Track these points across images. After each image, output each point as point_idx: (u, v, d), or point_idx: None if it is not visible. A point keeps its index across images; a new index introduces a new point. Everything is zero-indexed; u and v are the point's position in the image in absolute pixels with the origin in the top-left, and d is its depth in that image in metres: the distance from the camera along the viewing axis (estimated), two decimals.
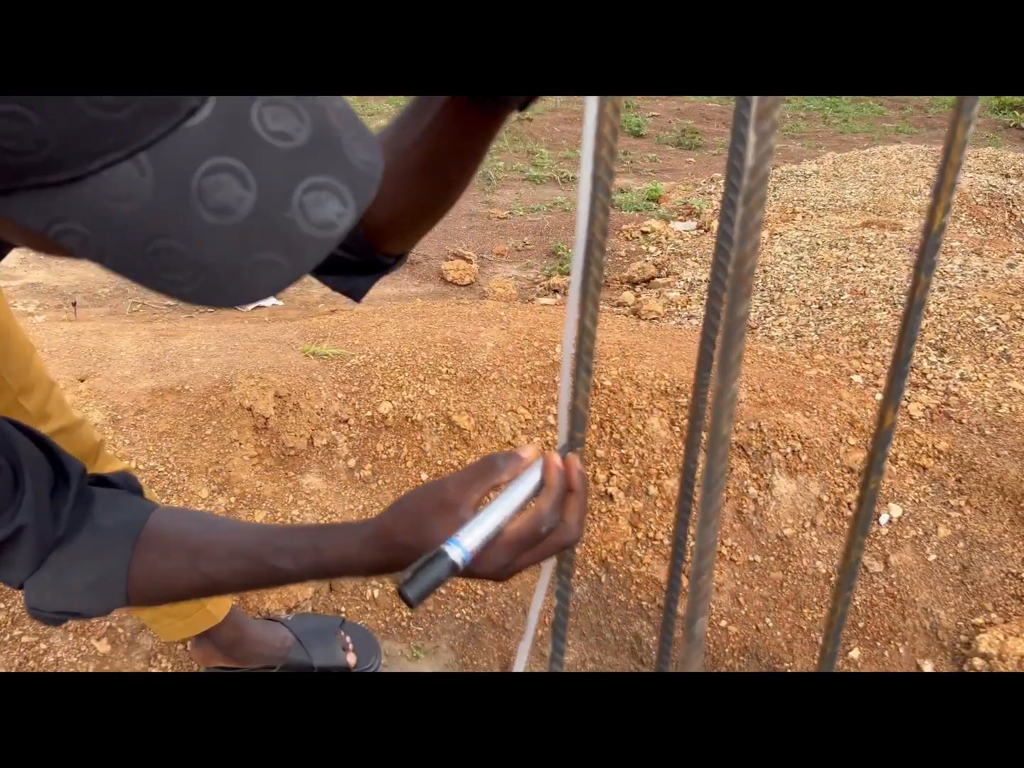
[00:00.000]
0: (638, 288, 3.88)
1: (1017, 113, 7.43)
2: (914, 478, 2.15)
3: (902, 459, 2.19)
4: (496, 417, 2.22)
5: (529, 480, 0.71)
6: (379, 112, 6.62)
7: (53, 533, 0.75)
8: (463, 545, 0.68)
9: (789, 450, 2.15)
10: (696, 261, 4.10)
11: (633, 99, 7.63)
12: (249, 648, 1.63)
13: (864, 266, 3.52)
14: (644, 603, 1.98)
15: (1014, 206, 4.44)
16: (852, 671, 1.87)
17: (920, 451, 2.20)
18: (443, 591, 1.93)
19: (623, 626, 1.96)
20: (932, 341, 2.74)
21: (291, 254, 0.47)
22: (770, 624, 1.94)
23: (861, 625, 1.92)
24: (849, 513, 2.07)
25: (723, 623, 1.94)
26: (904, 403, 2.43)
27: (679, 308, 3.55)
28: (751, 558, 2.03)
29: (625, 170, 6.17)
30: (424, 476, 2.12)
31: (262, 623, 1.69)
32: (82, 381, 2.13)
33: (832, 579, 1.99)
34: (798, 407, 2.28)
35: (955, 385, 2.52)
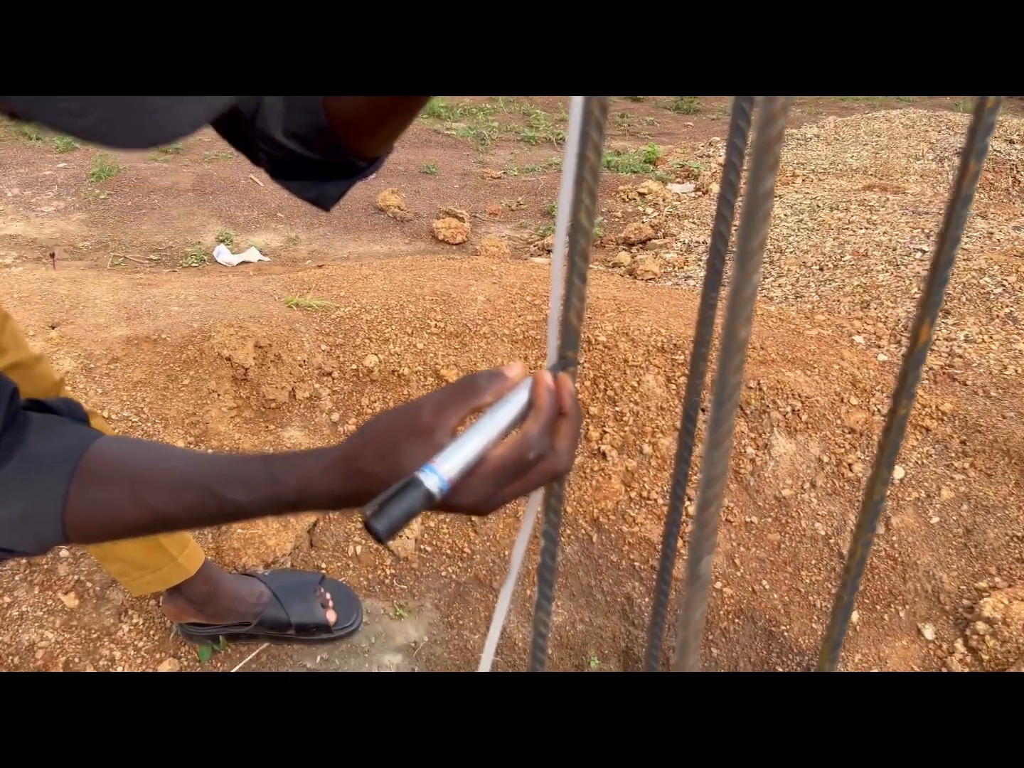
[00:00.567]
0: (634, 249, 3.79)
1: None
2: (917, 439, 2.08)
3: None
4: None
5: (515, 402, 0.63)
6: None
7: None
8: (440, 472, 0.59)
9: (789, 409, 2.08)
10: (694, 223, 4.00)
11: None
12: (223, 603, 1.55)
13: (866, 228, 3.43)
14: (636, 564, 1.91)
15: (1018, 171, 4.35)
16: (852, 672, 1.81)
17: (923, 412, 2.13)
18: (428, 548, 1.86)
19: (614, 587, 1.89)
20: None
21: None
22: (767, 586, 1.87)
23: (860, 588, 1.86)
24: (851, 475, 2.01)
25: (718, 585, 1.88)
26: None
27: (676, 269, 3.46)
28: (748, 519, 1.96)
29: (622, 133, 6.06)
30: None
31: (237, 578, 1.62)
32: (53, 328, 2.04)
33: (832, 541, 1.93)
34: (798, 366, 2.20)
35: (959, 347, 2.44)
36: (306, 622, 1.60)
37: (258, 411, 2.00)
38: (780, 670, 1.77)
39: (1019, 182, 4.31)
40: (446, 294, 2.32)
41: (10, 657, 1.55)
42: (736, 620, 1.84)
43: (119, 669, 1.58)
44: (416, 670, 1.74)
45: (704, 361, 0.79)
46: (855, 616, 1.82)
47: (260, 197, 4.11)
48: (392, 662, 1.72)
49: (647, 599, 1.88)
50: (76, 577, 1.65)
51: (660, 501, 1.98)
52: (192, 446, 1.89)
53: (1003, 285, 2.70)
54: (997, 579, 1.82)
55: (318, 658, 1.67)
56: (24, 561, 1.65)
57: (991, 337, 2.48)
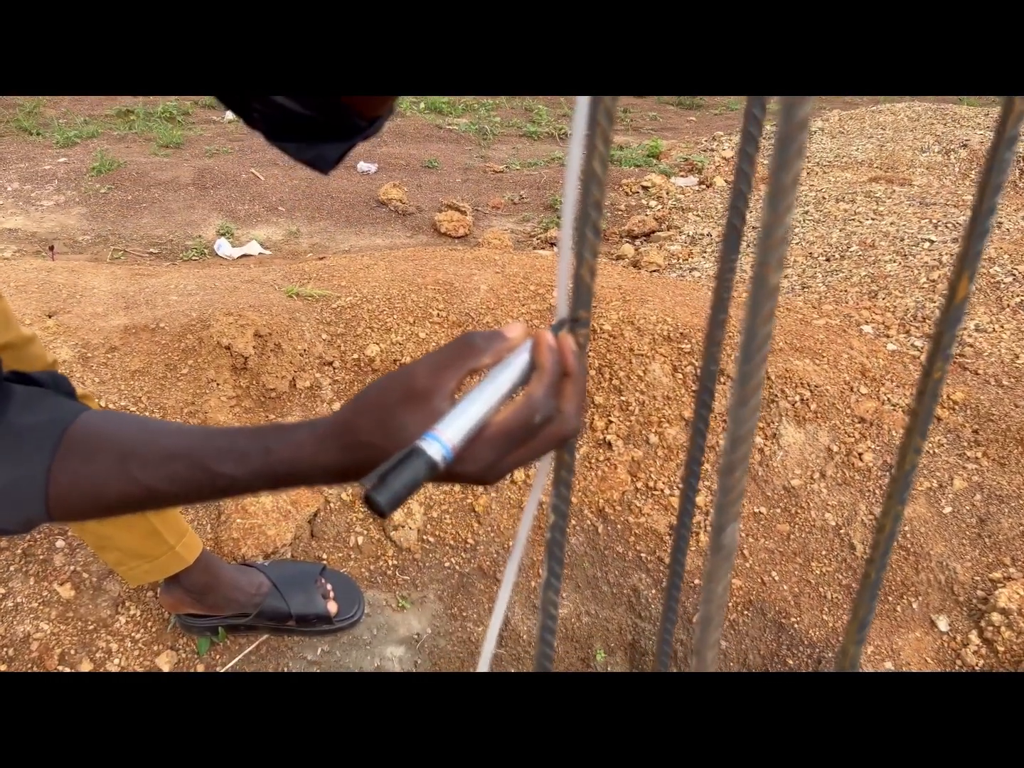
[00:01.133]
0: (638, 242, 3.75)
1: None
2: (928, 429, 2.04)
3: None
4: None
5: (515, 364, 0.59)
6: None
7: None
8: (442, 440, 0.56)
9: (797, 398, 2.04)
10: (698, 215, 3.97)
11: None
12: (222, 593, 1.52)
13: (873, 219, 3.40)
14: (643, 555, 1.87)
15: None
16: (865, 672, 1.78)
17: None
18: (431, 538, 1.82)
19: (621, 578, 1.86)
20: (946, 292, 2.63)
21: None
22: (776, 577, 1.84)
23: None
24: (861, 464, 1.97)
25: None
26: (917, 353, 2.32)
27: (681, 261, 3.43)
28: (756, 510, 1.93)
29: (625, 128, 6.02)
30: None
31: (237, 568, 1.58)
32: (50, 317, 2.01)
33: (842, 532, 1.89)
34: (807, 355, 2.17)
35: (970, 336, 2.41)
36: (307, 613, 1.57)
37: (258, 400, 1.96)
38: (790, 662, 1.73)
39: None
40: (448, 284, 2.29)
41: (5, 649, 1.52)
42: (745, 612, 1.81)
43: (116, 661, 1.55)
44: (419, 662, 1.71)
45: (718, 347, 0.76)
46: None
47: (261, 191, 4.08)
48: (395, 654, 1.69)
49: (654, 591, 1.85)
50: (72, 568, 1.61)
51: (667, 491, 1.94)
52: None
53: (1013, 274, 2.66)
54: (1012, 569, 1.78)
55: (319, 650, 1.63)
56: (19, 551, 1.62)
57: (1002, 326, 2.45)
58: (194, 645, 1.59)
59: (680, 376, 2.08)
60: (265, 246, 3.65)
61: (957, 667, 1.69)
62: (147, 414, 1.87)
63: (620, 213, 4.08)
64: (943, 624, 1.74)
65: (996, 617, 1.67)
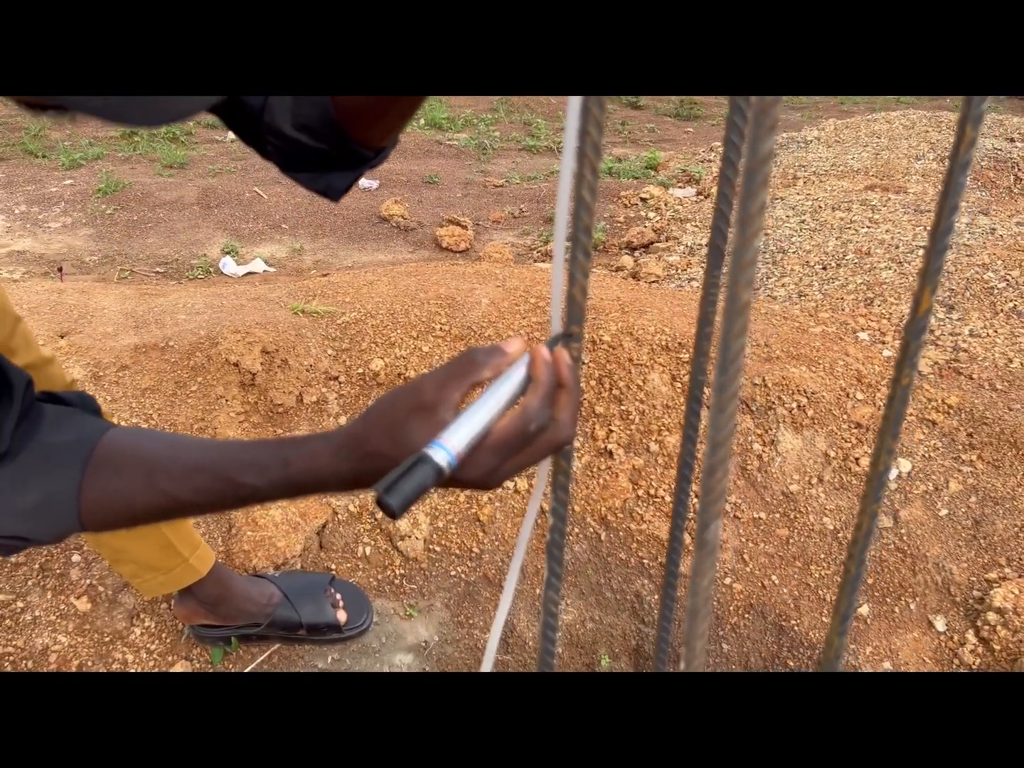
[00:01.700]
0: (637, 253, 3.80)
1: None
2: (923, 433, 2.08)
3: (911, 414, 2.12)
4: None
5: (514, 377, 0.64)
6: None
7: None
8: (447, 447, 0.60)
9: (795, 405, 2.08)
10: (696, 226, 4.01)
11: None
12: (235, 604, 1.56)
13: (868, 227, 3.44)
14: (645, 561, 1.91)
15: (1019, 169, 4.35)
16: (860, 672, 1.81)
17: (929, 406, 2.14)
18: (437, 548, 1.86)
19: (624, 585, 1.90)
20: (940, 298, 2.67)
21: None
22: (776, 581, 1.87)
23: (871, 581, 1.86)
24: (858, 469, 2.01)
25: (728, 580, 1.88)
26: None
27: (679, 271, 3.47)
28: (756, 515, 1.96)
29: (623, 140, 6.08)
30: None
31: (248, 579, 1.63)
32: (62, 337, 2.06)
33: (840, 536, 1.93)
34: (803, 362, 2.21)
35: (964, 341, 2.44)
36: (317, 622, 1.61)
37: (266, 416, 2.01)
38: (791, 664, 1.77)
39: (1020, 180, 4.32)
40: (450, 298, 2.33)
41: (24, 661, 1.56)
42: (746, 615, 1.84)
43: (132, 672, 1.59)
44: (427, 669, 1.74)
45: (706, 358, 0.80)
46: (865, 609, 1.82)
47: (265, 209, 4.14)
48: (403, 662, 1.72)
49: (656, 596, 1.88)
50: (88, 581, 1.66)
51: (667, 499, 1.98)
52: None
53: (1007, 280, 2.70)
54: (1007, 570, 1.82)
55: (329, 658, 1.67)
56: (37, 566, 1.66)
57: (996, 331, 2.49)
58: (208, 655, 1.63)
59: (679, 385, 2.12)
60: (269, 263, 3.70)
61: (955, 666, 1.72)
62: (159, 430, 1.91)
63: (619, 225, 4.13)
64: (940, 624, 1.78)
65: (992, 616, 1.70)
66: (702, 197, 4.48)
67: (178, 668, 1.60)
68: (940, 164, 4.42)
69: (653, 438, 2.06)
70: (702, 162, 5.10)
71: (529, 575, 1.90)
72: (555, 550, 0.73)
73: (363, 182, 4.49)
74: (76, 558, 1.69)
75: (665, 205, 4.34)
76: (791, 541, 1.93)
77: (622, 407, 2.09)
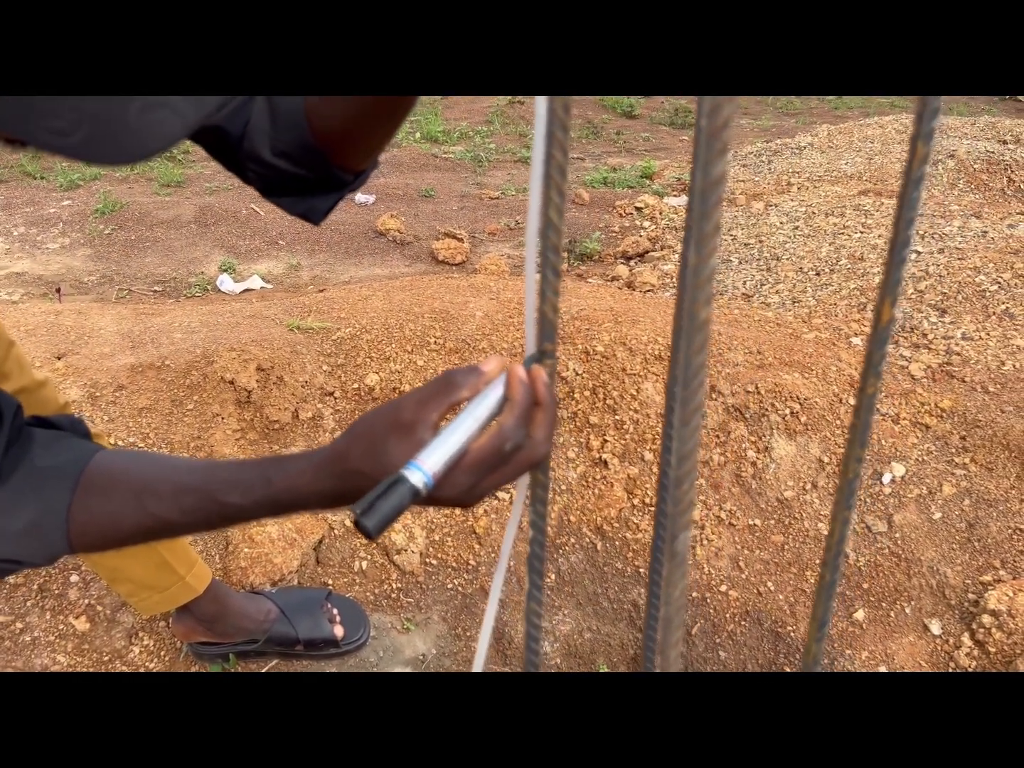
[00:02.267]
0: (632, 262, 3.82)
1: None
2: (917, 437, 2.09)
3: (904, 419, 2.13)
4: None
5: (492, 396, 0.65)
6: None
7: None
8: (423, 468, 0.62)
9: (788, 411, 2.10)
10: None
11: None
12: (232, 621, 1.57)
13: (861, 232, 3.46)
14: (642, 570, 1.92)
15: (1012, 171, 4.37)
16: (846, 671, 1.82)
17: (922, 410, 2.15)
18: (433, 561, 1.87)
19: (620, 594, 1.90)
20: (932, 302, 2.68)
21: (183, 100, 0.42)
22: (772, 588, 1.88)
23: (865, 586, 1.86)
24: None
25: (723, 588, 1.89)
26: (905, 364, 2.37)
27: (674, 280, 3.49)
28: (751, 522, 1.97)
29: (618, 150, 6.11)
30: None
31: (245, 596, 1.64)
32: (59, 359, 2.08)
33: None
34: (796, 368, 2.22)
35: (957, 344, 2.46)
36: (314, 637, 1.62)
37: (262, 433, 2.02)
38: (788, 670, 1.77)
39: (1013, 182, 4.34)
40: (445, 311, 2.35)
41: None
42: (742, 622, 1.85)
43: None
44: None
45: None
46: (860, 614, 1.83)
47: (261, 226, 4.16)
48: None
49: None
50: (87, 601, 1.67)
51: None
52: None
53: (998, 282, 2.71)
54: (1001, 572, 1.83)
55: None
56: (35, 587, 1.67)
57: (988, 334, 2.50)
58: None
59: None
60: (267, 280, 3.72)
61: (950, 669, 1.72)
62: (155, 450, 1.93)
63: (614, 235, 4.15)
64: (936, 628, 1.78)
65: (987, 619, 1.71)
66: None
67: None
68: (933, 168, 4.44)
69: (648, 447, 2.07)
70: None
71: (526, 585, 1.91)
72: (536, 562, 0.74)
73: (359, 197, 4.51)
74: (74, 578, 1.70)
75: (660, 214, 4.36)
76: (786, 547, 1.94)
77: (616, 417, 2.10)
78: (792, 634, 1.82)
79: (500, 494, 2.01)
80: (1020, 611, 1.69)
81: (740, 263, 3.47)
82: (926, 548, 1.89)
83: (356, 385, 2.14)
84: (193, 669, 1.63)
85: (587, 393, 2.14)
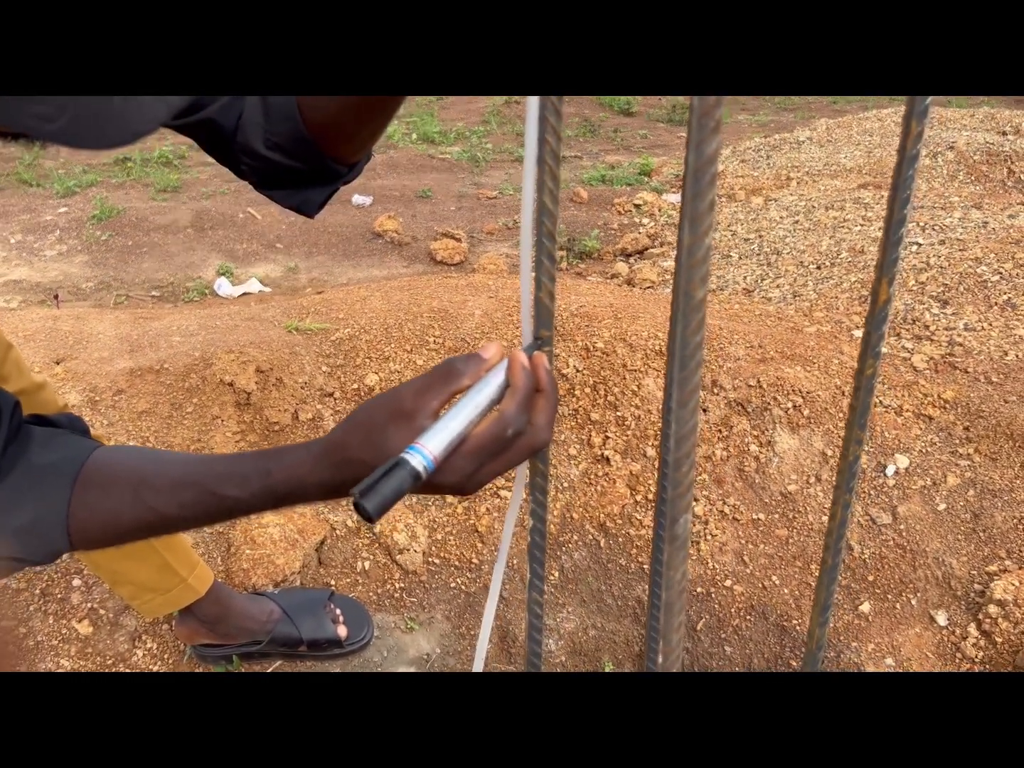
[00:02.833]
0: (631, 259, 3.81)
1: None
2: (920, 428, 2.08)
3: (907, 410, 2.12)
4: None
5: (493, 382, 0.64)
6: None
7: None
8: (424, 452, 0.61)
9: (790, 405, 2.09)
10: None
11: None
12: (235, 623, 1.56)
13: (862, 225, 3.45)
14: (645, 566, 1.91)
15: (1012, 162, 4.36)
16: (841, 671, 1.81)
17: (926, 401, 2.14)
18: (436, 560, 1.87)
19: (624, 591, 1.90)
20: (934, 293, 2.67)
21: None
22: (777, 582, 1.87)
23: (871, 578, 1.85)
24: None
25: (728, 582, 1.88)
26: (907, 355, 2.36)
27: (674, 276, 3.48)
28: (755, 516, 1.96)
29: (616, 148, 6.10)
30: None
31: (248, 597, 1.63)
32: (58, 363, 2.07)
33: None
34: (798, 362, 2.21)
35: (959, 335, 2.44)
36: (318, 638, 1.61)
37: (262, 434, 2.02)
38: (794, 664, 1.76)
39: (1013, 172, 4.33)
40: (443, 311, 2.34)
41: None
42: (748, 617, 1.84)
43: None
44: None
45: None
46: (867, 606, 1.82)
47: (258, 229, 4.16)
48: None
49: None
50: (89, 605, 1.66)
51: None
52: None
53: (1000, 273, 2.70)
54: (1007, 562, 1.82)
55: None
56: (38, 591, 1.66)
57: (990, 324, 2.49)
58: None
59: None
60: (265, 283, 3.71)
61: (957, 660, 1.71)
62: None
63: (613, 232, 4.14)
64: (942, 619, 1.77)
65: (993, 609, 1.70)
66: None
67: None
68: (932, 160, 4.43)
69: (649, 443, 2.06)
70: None
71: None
72: (536, 552, 0.73)
73: (356, 198, 4.51)
74: (77, 582, 1.69)
75: (659, 211, 4.35)
76: (791, 541, 1.93)
77: (618, 413, 2.10)
78: (798, 628, 1.81)
79: (503, 494, 2.00)
80: None
81: (740, 258, 3.46)
82: (931, 539, 1.88)
83: (356, 385, 2.13)
84: (197, 671, 1.63)
85: (588, 390, 2.13)
